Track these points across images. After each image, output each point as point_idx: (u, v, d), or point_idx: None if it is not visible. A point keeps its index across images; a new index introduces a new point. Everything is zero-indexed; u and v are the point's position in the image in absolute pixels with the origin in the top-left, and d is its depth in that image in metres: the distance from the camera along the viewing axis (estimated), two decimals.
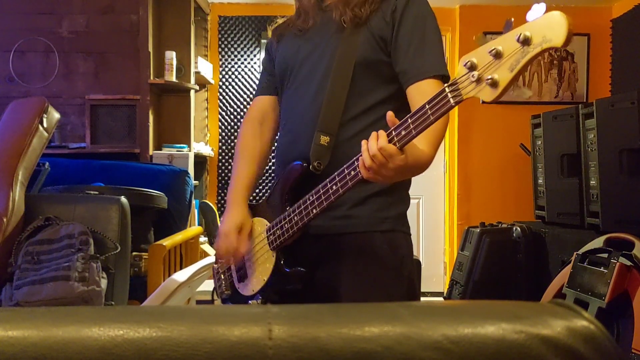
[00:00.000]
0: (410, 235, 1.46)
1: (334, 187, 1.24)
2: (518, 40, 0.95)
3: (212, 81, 4.49)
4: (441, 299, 4.33)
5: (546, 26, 0.92)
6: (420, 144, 1.23)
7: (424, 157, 1.27)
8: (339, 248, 1.38)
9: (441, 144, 1.42)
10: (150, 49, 3.77)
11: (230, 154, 4.71)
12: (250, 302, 1.46)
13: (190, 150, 3.95)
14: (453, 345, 0.40)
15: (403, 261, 1.40)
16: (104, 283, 2.19)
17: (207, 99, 4.67)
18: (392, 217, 1.40)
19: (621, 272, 2.49)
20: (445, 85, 1.08)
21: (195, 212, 3.92)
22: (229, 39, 4.69)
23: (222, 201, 4.71)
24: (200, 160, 4.40)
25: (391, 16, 1.38)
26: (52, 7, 3.80)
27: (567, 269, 2.85)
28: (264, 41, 4.63)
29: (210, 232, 4.20)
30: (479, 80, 1.02)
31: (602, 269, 2.60)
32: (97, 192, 2.62)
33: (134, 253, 2.66)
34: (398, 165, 1.14)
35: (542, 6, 0.94)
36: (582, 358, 0.41)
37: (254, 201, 1.53)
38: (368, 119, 1.38)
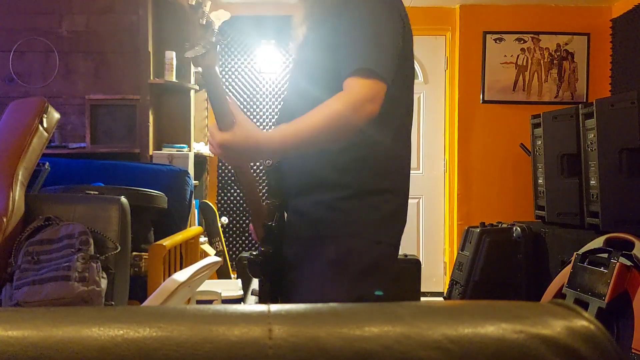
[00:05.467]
0: (381, 243, 1.32)
1: None
2: None
3: None
4: (441, 299, 4.33)
5: None
6: (280, 128, 1.18)
7: (266, 139, 1.17)
8: (305, 252, 1.35)
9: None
10: (150, 49, 3.77)
11: None
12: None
13: (190, 150, 3.95)
14: (453, 345, 0.40)
15: (351, 268, 1.28)
16: (104, 283, 2.19)
17: (207, 99, 4.67)
18: (355, 222, 1.30)
19: (621, 272, 2.49)
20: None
21: (195, 212, 3.92)
22: (229, 39, 4.68)
23: (222, 201, 4.71)
24: (200, 160, 4.40)
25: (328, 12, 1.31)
26: (52, 7, 3.80)
27: (567, 269, 2.85)
28: (264, 41, 4.63)
29: (210, 232, 4.20)
30: None
31: (602, 269, 2.60)
32: (97, 192, 2.62)
33: (134, 253, 2.66)
34: (220, 141, 1.15)
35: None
36: (582, 358, 0.41)
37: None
38: None
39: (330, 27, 1.26)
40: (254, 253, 1.38)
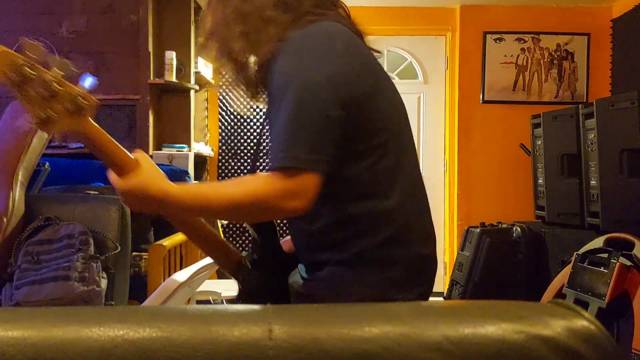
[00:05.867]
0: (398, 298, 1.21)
1: None
2: None
3: (212, 81, 4.49)
4: (441, 299, 4.33)
5: None
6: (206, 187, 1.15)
7: (167, 195, 1.11)
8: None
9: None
10: (150, 49, 3.77)
11: (230, 154, 4.71)
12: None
13: (190, 150, 3.95)
14: (453, 345, 0.40)
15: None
16: (104, 283, 2.19)
17: (207, 99, 4.67)
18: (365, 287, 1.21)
19: (621, 272, 2.49)
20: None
21: None
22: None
23: None
24: (200, 160, 4.39)
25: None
26: (52, 7, 3.80)
27: (567, 269, 2.85)
28: None
29: None
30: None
31: (602, 269, 2.60)
32: (97, 192, 2.62)
33: (134, 253, 2.66)
34: (118, 188, 1.11)
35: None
36: (582, 358, 0.41)
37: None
38: None
39: (273, 113, 1.18)
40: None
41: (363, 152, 1.17)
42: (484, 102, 4.61)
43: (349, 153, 1.15)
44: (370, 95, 1.17)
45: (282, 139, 1.09)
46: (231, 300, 1.36)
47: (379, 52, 1.32)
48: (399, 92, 1.31)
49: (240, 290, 1.33)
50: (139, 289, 2.55)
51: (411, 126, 1.34)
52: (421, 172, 1.44)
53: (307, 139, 1.08)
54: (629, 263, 2.50)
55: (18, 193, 2.29)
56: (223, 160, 4.72)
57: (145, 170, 1.12)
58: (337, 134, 1.11)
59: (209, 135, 4.70)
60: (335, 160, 1.11)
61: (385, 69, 1.41)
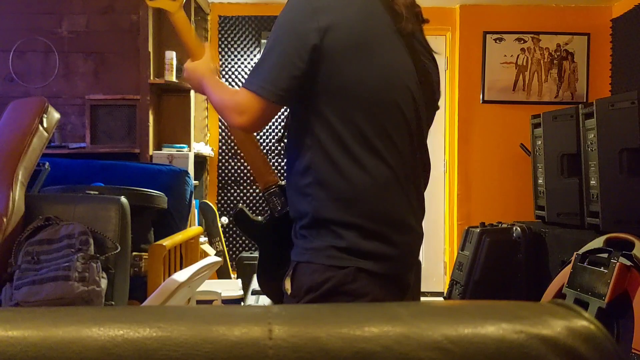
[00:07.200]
0: (344, 267, 1.25)
1: None
2: None
3: None
4: (441, 299, 4.33)
5: None
6: (213, 80, 1.46)
7: (203, 78, 1.46)
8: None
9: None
10: (150, 49, 3.77)
11: (230, 154, 4.71)
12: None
13: (190, 150, 3.95)
14: (453, 345, 0.40)
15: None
16: (104, 283, 2.19)
17: (207, 99, 4.67)
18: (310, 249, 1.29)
19: (621, 272, 2.49)
20: None
21: (195, 212, 3.92)
22: (229, 39, 4.69)
23: (222, 201, 4.71)
24: (200, 160, 4.40)
25: None
26: (52, 7, 3.80)
27: (567, 269, 2.85)
28: (263, 41, 4.62)
29: (210, 232, 4.20)
30: None
31: (602, 269, 2.60)
32: (97, 192, 2.62)
33: (134, 253, 2.66)
34: (185, 65, 1.52)
35: None
36: (582, 358, 0.41)
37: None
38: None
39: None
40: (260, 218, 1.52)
41: (318, 104, 1.29)
42: (484, 102, 4.61)
43: (310, 103, 1.30)
44: (342, 54, 1.28)
45: (254, 67, 1.33)
46: (256, 223, 1.54)
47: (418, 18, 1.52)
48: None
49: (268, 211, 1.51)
50: (139, 289, 2.55)
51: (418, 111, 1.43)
52: (417, 159, 1.50)
53: (267, 71, 1.28)
54: (629, 263, 2.50)
55: (18, 193, 2.29)
56: (223, 160, 4.72)
57: (203, 60, 1.51)
58: (297, 74, 1.26)
59: (209, 135, 4.70)
60: (291, 96, 1.28)
61: None
